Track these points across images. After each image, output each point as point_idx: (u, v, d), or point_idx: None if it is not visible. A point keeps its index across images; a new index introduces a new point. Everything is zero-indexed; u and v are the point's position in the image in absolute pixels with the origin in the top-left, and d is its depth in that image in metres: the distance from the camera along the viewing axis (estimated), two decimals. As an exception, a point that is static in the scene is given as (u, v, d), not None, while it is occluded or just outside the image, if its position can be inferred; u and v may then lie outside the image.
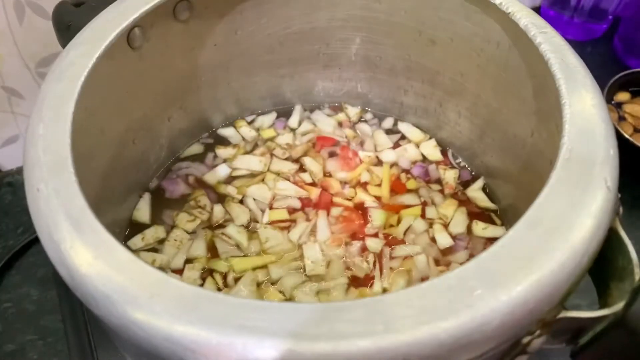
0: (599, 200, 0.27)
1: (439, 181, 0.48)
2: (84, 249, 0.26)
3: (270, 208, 0.46)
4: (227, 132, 0.52)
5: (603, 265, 0.28)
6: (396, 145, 0.51)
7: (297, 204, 0.46)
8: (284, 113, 0.54)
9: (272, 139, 0.52)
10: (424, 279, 0.42)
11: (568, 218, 0.26)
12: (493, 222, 0.45)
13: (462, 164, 0.50)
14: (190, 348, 0.23)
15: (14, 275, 0.52)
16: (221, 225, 0.45)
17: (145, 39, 0.39)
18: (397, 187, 0.48)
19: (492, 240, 0.44)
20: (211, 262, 0.43)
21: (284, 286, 0.41)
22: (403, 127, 0.52)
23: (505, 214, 0.46)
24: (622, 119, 0.59)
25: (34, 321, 0.49)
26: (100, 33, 0.35)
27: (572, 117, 0.30)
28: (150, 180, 0.48)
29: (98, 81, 0.34)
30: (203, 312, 0.23)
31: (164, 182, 0.48)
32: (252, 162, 0.49)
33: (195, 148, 0.51)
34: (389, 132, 0.53)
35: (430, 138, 0.51)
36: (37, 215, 0.27)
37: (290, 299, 0.40)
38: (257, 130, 0.52)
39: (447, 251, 0.43)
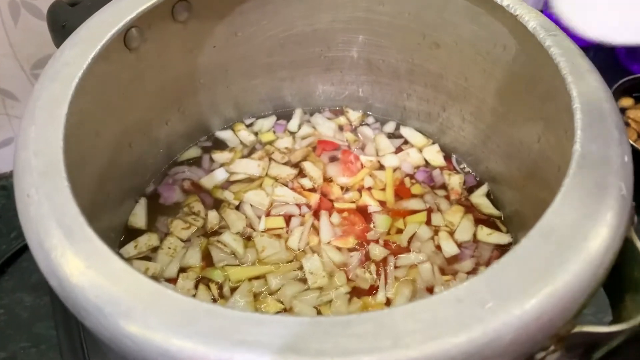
0: (614, 208, 0.26)
1: (444, 187, 0.47)
2: (75, 258, 0.24)
3: (267, 215, 0.45)
4: (225, 135, 0.51)
5: (617, 277, 0.27)
6: (398, 149, 0.50)
7: (296, 210, 0.45)
8: (284, 116, 0.53)
9: (271, 143, 0.50)
10: (428, 288, 0.40)
11: (582, 227, 0.25)
12: (498, 229, 0.44)
13: (466, 169, 0.49)
14: (186, 364, 0.22)
15: (7, 281, 0.51)
16: (216, 232, 0.44)
17: (143, 39, 0.38)
18: (401, 192, 0.46)
19: (498, 247, 0.43)
20: (206, 271, 0.41)
21: (283, 296, 0.40)
22: (405, 131, 0.51)
23: (510, 221, 0.44)
24: (625, 124, 0.58)
25: (26, 328, 0.48)
26: (96, 33, 0.34)
27: (583, 122, 0.29)
28: (146, 185, 0.47)
29: (93, 82, 0.33)
30: (201, 326, 0.22)
31: (160, 187, 0.47)
32: (249, 166, 0.48)
33: (193, 152, 0.50)
34: (390, 136, 0.51)
35: (433, 143, 0.50)
36: (27, 222, 0.26)
37: (289, 309, 0.39)
38: (256, 134, 0.51)
39: (452, 259, 0.42)
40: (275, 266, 0.41)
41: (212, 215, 0.44)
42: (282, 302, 0.39)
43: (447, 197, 0.46)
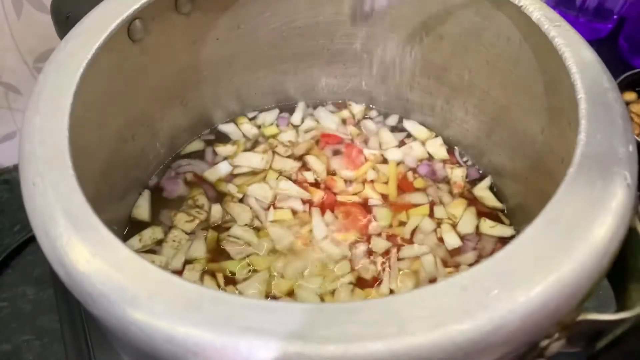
0: (619, 197, 0.26)
1: (446, 180, 0.47)
2: (81, 246, 0.24)
3: (274, 207, 0.45)
4: (228, 128, 0.51)
5: (621, 266, 0.27)
6: (401, 143, 0.50)
7: (299, 206, 0.45)
8: (287, 110, 0.53)
9: (274, 136, 0.50)
10: (431, 280, 0.40)
11: (587, 216, 0.25)
12: (501, 222, 0.44)
13: (469, 162, 0.49)
14: (192, 350, 0.22)
15: (10, 274, 0.51)
16: (222, 227, 0.43)
17: (146, 31, 0.38)
18: (404, 186, 0.46)
19: (501, 239, 0.43)
20: (225, 264, 0.41)
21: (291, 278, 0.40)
22: (408, 125, 0.51)
23: (514, 214, 0.44)
24: (629, 118, 0.58)
25: (30, 321, 0.49)
26: (100, 24, 0.34)
27: (588, 112, 0.29)
28: (149, 178, 0.47)
29: (97, 74, 0.33)
30: (206, 313, 0.22)
31: (163, 180, 0.47)
32: (253, 160, 0.48)
33: (196, 145, 0.50)
34: (393, 129, 0.51)
35: (436, 136, 0.50)
36: (33, 211, 0.26)
37: (292, 292, 0.39)
38: (259, 127, 0.51)
39: (455, 252, 0.42)
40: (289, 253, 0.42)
41: (215, 209, 0.44)
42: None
43: (450, 191, 0.46)
